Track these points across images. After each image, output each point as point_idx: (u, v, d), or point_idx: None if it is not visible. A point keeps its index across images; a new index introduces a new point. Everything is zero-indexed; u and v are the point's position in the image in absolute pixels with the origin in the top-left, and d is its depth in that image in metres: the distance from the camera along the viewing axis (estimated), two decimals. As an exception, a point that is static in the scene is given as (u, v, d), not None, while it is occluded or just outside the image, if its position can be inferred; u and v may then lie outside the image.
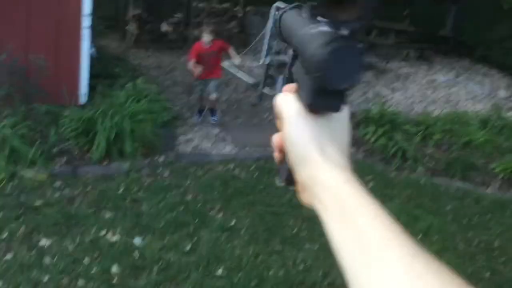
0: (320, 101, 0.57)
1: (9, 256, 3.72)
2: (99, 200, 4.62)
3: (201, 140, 6.40)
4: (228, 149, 6.27)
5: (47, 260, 3.76)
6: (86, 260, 3.82)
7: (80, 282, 3.60)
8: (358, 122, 7.25)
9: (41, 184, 4.70)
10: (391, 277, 0.44)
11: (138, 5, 10.61)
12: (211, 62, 6.37)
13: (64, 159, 5.19)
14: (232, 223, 4.59)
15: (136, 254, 3.98)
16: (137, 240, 4.15)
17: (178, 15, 11.40)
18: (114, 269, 3.76)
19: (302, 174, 0.57)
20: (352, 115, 7.69)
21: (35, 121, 5.30)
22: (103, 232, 4.17)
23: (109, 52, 8.91)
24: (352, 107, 8.22)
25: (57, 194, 4.60)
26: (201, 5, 12.30)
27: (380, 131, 6.70)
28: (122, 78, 6.64)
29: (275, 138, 0.63)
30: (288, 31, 0.65)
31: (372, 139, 6.69)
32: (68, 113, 5.40)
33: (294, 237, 4.49)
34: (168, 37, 11.02)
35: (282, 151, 0.63)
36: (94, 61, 6.63)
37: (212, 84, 6.55)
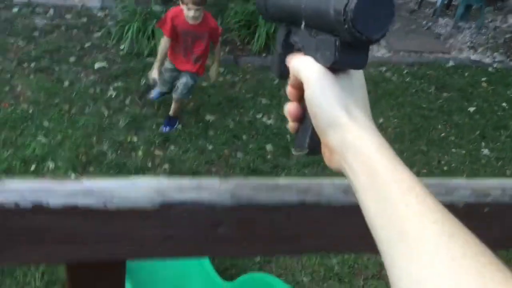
0: (346, 57, 0.54)
1: (179, 126, 4.25)
2: (257, 88, 4.99)
3: (355, 42, 6.45)
4: (381, 52, 6.26)
5: (211, 132, 4.25)
6: (245, 137, 4.25)
7: (239, 154, 4.05)
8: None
9: (207, 68, 5.16)
10: (425, 258, 0.41)
11: None
12: (193, 47, 3.92)
13: (227, 48, 5.59)
14: (380, 121, 4.73)
15: (288, 137, 4.32)
16: (289, 126, 4.47)
17: None
18: (269, 147, 4.15)
19: (331, 138, 0.54)
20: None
21: (204, 11, 5.70)
22: (259, 115, 4.56)
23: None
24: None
25: (220, 79, 5.04)
26: None
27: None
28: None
29: (290, 107, 0.61)
30: (282, 4, 0.63)
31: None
32: (233, 6, 5.73)
33: (441, 140, 4.53)
34: None
35: (298, 119, 0.61)
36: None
37: (183, 81, 4.02)
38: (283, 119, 4.53)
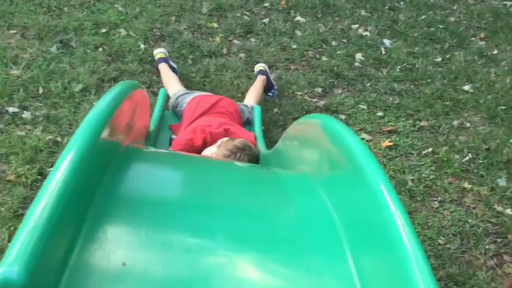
0: None
1: (265, 20, 3.90)
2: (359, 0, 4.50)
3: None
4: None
5: (298, 33, 3.86)
6: (334, 43, 3.82)
7: (324, 57, 3.65)
8: None
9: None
10: None
11: None
12: None
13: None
14: (494, 52, 4.10)
15: (383, 50, 3.84)
16: (387, 41, 3.98)
17: None
18: (358, 56, 3.71)
19: None
20: None
21: None
22: (355, 26, 4.09)
23: None
24: None
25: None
26: None
27: None
28: None
29: None
30: None
31: None
32: None
33: None
34: None
35: None
36: None
37: None
38: (381, 33, 4.06)
